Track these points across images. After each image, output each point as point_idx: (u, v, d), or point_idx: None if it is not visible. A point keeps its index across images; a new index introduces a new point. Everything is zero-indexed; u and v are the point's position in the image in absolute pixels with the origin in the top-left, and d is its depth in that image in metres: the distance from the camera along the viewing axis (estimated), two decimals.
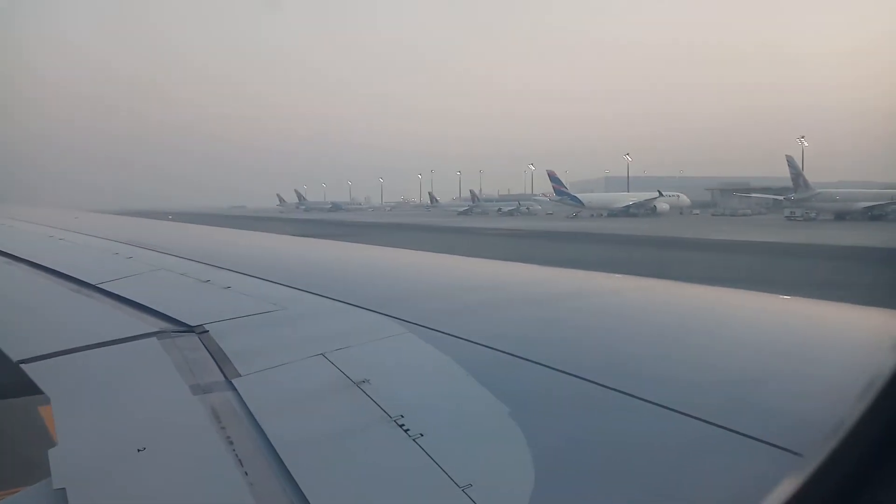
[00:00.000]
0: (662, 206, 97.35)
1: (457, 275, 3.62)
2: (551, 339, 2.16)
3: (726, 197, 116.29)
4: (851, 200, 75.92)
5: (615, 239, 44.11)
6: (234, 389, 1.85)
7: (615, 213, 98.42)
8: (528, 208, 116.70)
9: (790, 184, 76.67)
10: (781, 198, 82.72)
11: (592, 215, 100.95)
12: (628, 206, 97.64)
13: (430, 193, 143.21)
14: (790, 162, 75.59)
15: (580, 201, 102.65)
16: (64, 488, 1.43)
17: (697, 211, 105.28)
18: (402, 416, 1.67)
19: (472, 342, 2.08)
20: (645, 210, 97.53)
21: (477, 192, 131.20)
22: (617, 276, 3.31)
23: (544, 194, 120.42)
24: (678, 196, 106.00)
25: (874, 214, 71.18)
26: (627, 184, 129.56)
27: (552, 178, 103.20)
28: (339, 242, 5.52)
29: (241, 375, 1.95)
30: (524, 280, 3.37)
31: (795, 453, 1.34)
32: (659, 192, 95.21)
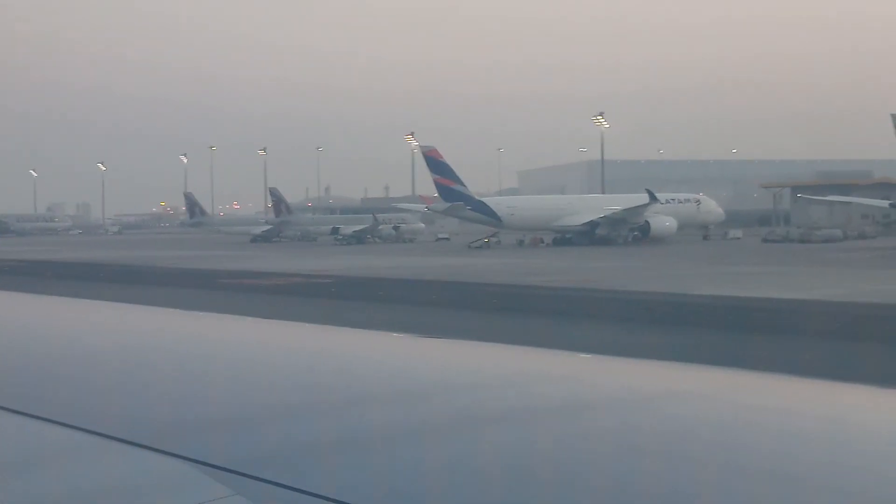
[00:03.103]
0: (662, 222, 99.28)
1: (323, 362, 4.21)
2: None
3: (799, 204, 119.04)
4: None
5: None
6: None
7: (567, 238, 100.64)
8: (396, 227, 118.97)
9: None
10: (887, 203, 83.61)
11: (522, 241, 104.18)
12: (592, 224, 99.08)
13: (186, 197, 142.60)
14: None
15: (491, 212, 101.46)
16: None
17: (738, 232, 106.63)
18: None
19: None
20: (626, 231, 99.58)
21: (320, 192, 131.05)
22: (617, 358, 4.19)
23: (423, 197, 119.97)
24: (696, 201, 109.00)
25: None
26: (602, 176, 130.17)
27: (432, 164, 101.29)
28: (66, 300, 7.18)
29: None
30: (464, 370, 4.03)
31: None
32: (649, 193, 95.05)
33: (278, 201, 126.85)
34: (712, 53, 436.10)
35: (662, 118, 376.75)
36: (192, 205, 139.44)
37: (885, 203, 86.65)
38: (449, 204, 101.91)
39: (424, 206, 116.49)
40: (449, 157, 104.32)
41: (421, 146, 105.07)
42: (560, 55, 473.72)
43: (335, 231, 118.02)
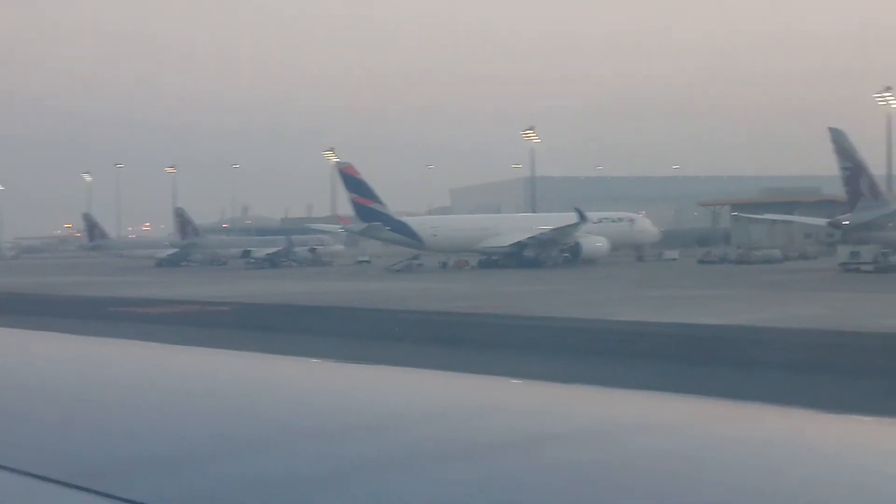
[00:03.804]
0: (593, 243, 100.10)
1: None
2: None
3: (739, 223, 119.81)
4: None
5: None
6: None
7: (493, 260, 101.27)
8: (312, 250, 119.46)
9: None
10: (825, 222, 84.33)
11: (445, 263, 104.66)
12: (519, 245, 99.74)
13: (85, 218, 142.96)
14: (837, 140, 76.25)
15: (412, 233, 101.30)
16: None
17: (674, 253, 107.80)
18: None
19: None
20: (555, 252, 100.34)
21: (230, 211, 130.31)
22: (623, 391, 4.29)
23: (341, 218, 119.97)
24: (630, 220, 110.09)
25: None
26: (533, 193, 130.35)
27: (348, 181, 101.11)
28: None
29: None
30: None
31: None
32: (578, 212, 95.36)
33: (184, 222, 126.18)
34: (661, 68, 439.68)
35: (605, 134, 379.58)
36: (91, 226, 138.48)
37: (823, 222, 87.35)
38: (366, 224, 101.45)
39: (341, 226, 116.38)
40: (377, 174, 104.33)
41: (336, 162, 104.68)
42: (499, 68, 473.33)
43: (246, 254, 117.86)
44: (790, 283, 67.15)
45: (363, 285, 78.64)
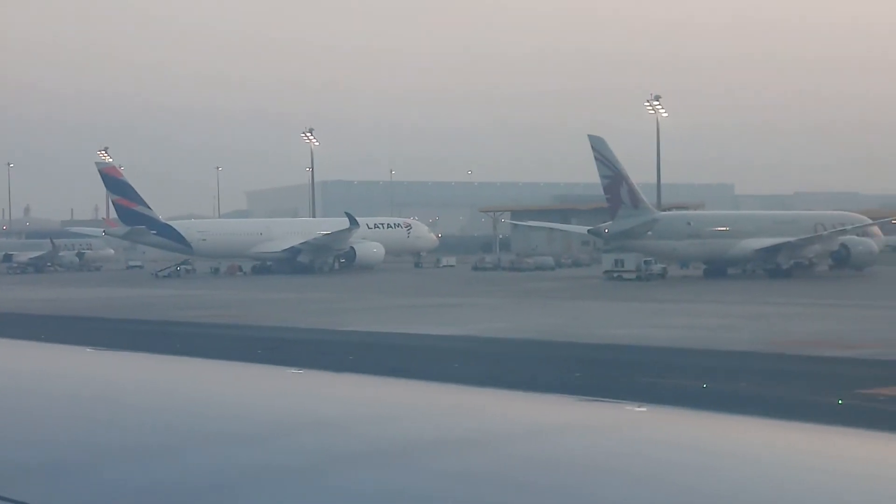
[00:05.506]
0: (368, 248, 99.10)
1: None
2: None
3: (519, 230, 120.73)
4: (738, 235, 78.53)
5: None
6: None
7: (268, 265, 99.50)
8: (80, 254, 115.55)
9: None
10: (586, 230, 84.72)
11: (216, 269, 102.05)
12: (293, 251, 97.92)
13: None
14: (597, 148, 76.07)
15: (180, 237, 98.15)
16: None
17: (452, 259, 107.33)
18: None
19: None
20: (331, 258, 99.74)
21: None
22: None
23: (107, 221, 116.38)
24: (407, 226, 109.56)
25: (792, 265, 75.64)
26: (312, 199, 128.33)
27: (110, 183, 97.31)
28: None
29: None
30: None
31: None
32: (349, 217, 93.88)
33: None
34: (466, 80, 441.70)
35: (405, 141, 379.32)
36: None
37: (583, 230, 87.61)
38: (129, 228, 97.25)
39: (102, 230, 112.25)
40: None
41: (97, 163, 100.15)
42: (300, 73, 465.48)
43: (8, 258, 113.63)
44: (549, 291, 66.34)
45: (117, 291, 74.89)
